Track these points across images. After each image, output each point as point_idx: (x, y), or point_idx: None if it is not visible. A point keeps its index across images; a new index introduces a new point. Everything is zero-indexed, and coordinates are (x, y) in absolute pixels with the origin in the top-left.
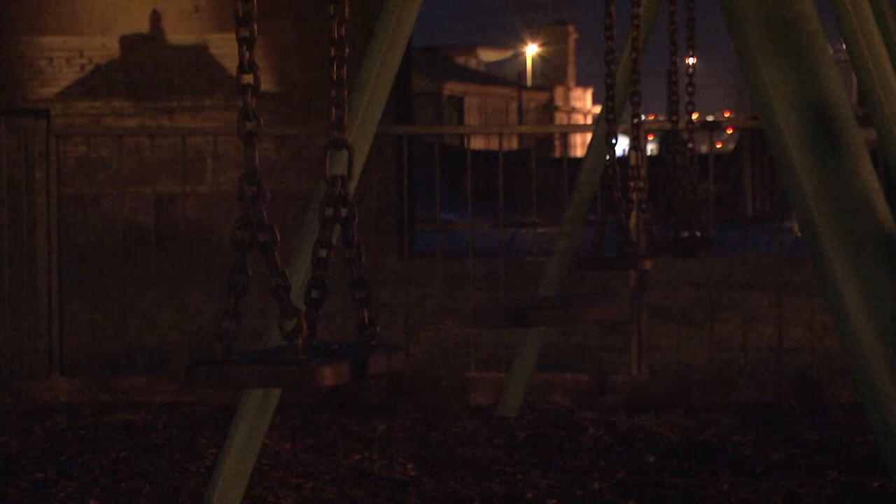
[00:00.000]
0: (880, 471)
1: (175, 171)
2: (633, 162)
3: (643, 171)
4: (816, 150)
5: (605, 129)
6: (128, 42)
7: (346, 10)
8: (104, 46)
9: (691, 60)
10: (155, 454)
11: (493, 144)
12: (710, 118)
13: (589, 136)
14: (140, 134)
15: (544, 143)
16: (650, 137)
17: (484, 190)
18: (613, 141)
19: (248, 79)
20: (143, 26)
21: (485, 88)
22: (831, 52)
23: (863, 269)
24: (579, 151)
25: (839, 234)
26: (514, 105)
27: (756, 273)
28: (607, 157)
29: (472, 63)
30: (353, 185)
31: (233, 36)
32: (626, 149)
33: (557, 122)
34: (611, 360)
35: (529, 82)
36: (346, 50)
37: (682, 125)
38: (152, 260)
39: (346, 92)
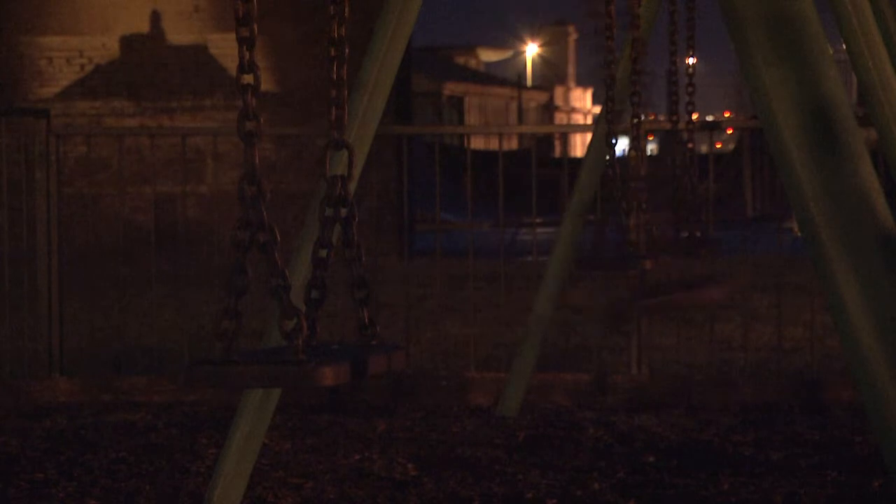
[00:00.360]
0: (880, 471)
1: (175, 171)
2: (633, 162)
3: (643, 171)
4: (816, 150)
5: (605, 129)
6: (128, 42)
7: (346, 10)
8: (104, 46)
9: (691, 60)
10: (155, 454)
11: (493, 144)
12: (709, 118)
13: (589, 136)
14: (140, 134)
15: (544, 143)
16: (650, 137)
17: (484, 190)
18: (613, 141)
19: (248, 79)
20: (143, 26)
21: (485, 88)
22: (831, 52)
23: (863, 269)
24: (579, 151)
25: (839, 234)
26: (514, 105)
27: (756, 273)
28: (607, 157)
29: (472, 63)
30: (353, 185)
31: (233, 36)
32: (626, 149)
33: (557, 122)
34: (611, 360)
35: (529, 82)
36: (346, 50)
37: (682, 125)
38: (152, 260)
39: (346, 92)
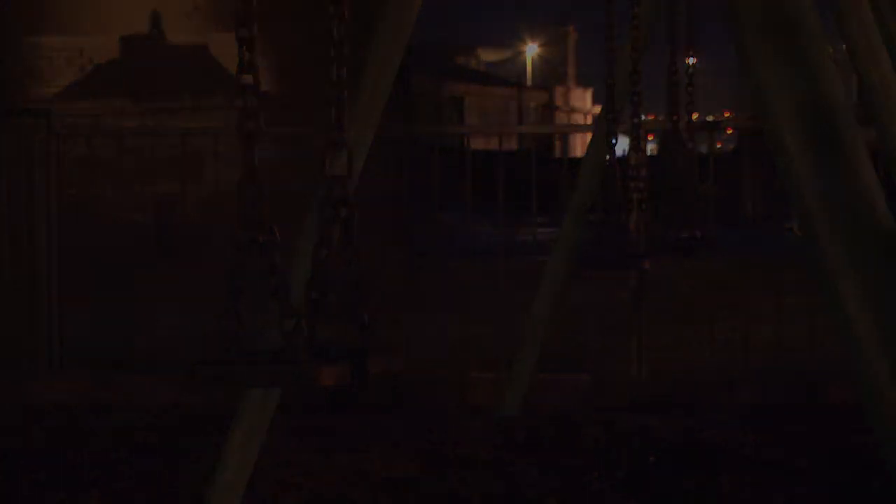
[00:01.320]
0: (880, 471)
1: (175, 171)
2: (633, 162)
3: (643, 171)
4: (816, 150)
5: (605, 129)
6: (128, 42)
7: (346, 10)
8: (104, 46)
9: (691, 60)
10: (154, 454)
11: (493, 144)
12: (709, 118)
13: (589, 136)
14: (140, 134)
15: (544, 143)
16: (650, 137)
17: (484, 190)
18: (613, 141)
19: (248, 79)
20: (143, 26)
21: (485, 88)
22: (831, 51)
23: (863, 269)
24: (579, 151)
25: (839, 234)
26: (514, 105)
27: (756, 273)
28: (607, 157)
29: (472, 63)
30: (353, 185)
31: (233, 36)
32: (626, 149)
33: (557, 122)
34: (611, 360)
35: (529, 82)
36: (346, 50)
37: (682, 125)
38: (152, 260)
39: (346, 92)
